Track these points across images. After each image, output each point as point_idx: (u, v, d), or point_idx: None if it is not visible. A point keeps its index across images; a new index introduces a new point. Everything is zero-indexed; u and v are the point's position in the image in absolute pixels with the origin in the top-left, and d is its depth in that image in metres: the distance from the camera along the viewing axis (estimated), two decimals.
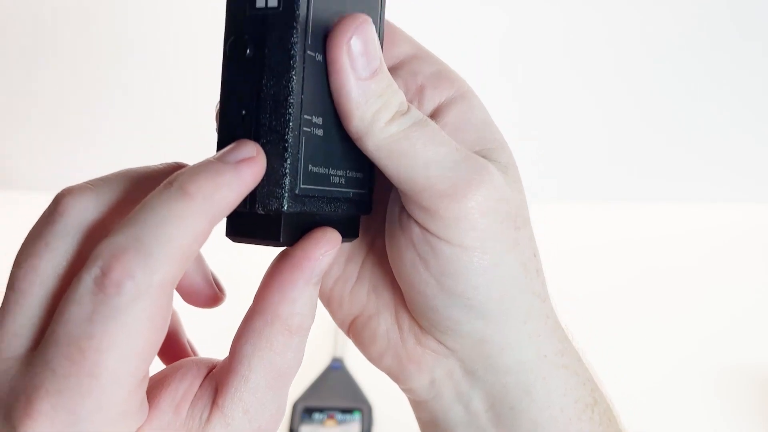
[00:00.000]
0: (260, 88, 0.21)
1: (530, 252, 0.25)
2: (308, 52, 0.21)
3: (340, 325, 0.29)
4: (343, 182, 0.23)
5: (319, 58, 0.21)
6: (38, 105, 0.87)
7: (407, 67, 0.26)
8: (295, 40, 0.20)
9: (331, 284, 0.28)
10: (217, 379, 0.23)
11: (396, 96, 0.22)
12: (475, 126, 0.25)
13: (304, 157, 0.21)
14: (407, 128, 0.22)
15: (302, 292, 0.22)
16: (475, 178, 0.22)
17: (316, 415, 0.59)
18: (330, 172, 0.23)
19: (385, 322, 0.27)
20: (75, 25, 0.79)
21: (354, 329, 0.28)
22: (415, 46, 0.26)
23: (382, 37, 0.24)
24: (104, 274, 0.19)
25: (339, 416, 0.59)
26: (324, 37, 0.21)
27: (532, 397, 0.26)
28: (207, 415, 0.22)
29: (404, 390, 0.28)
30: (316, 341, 0.69)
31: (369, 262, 0.28)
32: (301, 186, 0.22)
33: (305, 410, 0.60)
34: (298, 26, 0.20)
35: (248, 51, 0.21)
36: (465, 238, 0.23)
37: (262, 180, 0.21)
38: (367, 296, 0.28)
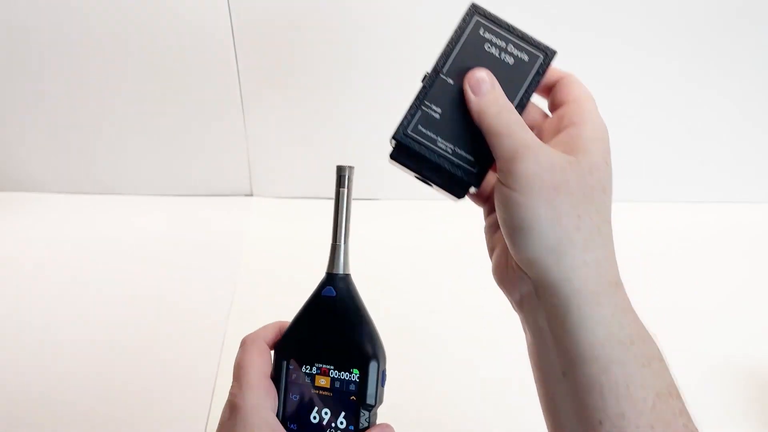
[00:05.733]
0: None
1: (573, 212, 0.34)
2: (441, 75, 0.40)
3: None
4: (449, 152, 0.39)
5: (451, 81, 0.40)
6: (56, 109, 0.87)
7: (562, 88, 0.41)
8: (437, 67, 0.40)
9: (487, 225, 0.43)
10: None
11: (495, 104, 0.38)
12: (569, 136, 0.37)
13: (416, 120, 0.40)
14: (502, 119, 0.37)
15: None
16: (523, 153, 0.35)
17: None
18: (438, 139, 0.39)
19: (500, 254, 0.40)
20: (92, 30, 0.79)
21: (492, 257, 0.42)
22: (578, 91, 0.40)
23: (533, 90, 0.40)
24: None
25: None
26: (457, 72, 0.40)
27: (581, 322, 0.34)
28: None
29: (512, 304, 0.40)
30: None
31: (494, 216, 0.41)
32: (409, 132, 0.40)
33: None
34: (437, 65, 0.40)
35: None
36: (514, 185, 0.35)
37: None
38: (496, 236, 0.42)
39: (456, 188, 0.40)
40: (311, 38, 0.79)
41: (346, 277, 0.43)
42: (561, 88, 0.40)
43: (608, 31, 0.80)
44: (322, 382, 0.41)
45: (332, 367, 0.40)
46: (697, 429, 0.34)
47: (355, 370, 0.40)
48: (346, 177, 0.42)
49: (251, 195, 0.96)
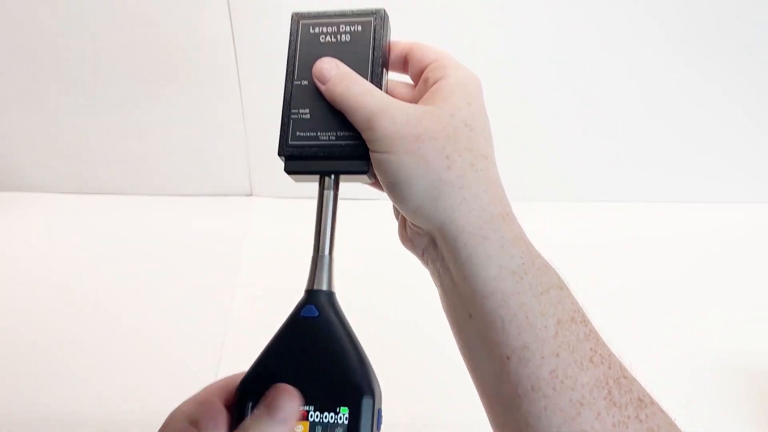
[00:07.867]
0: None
1: (440, 153, 0.35)
2: (295, 81, 0.40)
3: None
4: (334, 138, 0.39)
5: (305, 82, 0.40)
6: (56, 109, 0.87)
7: (416, 53, 0.42)
8: (288, 78, 0.41)
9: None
10: None
11: (340, 83, 0.39)
12: (432, 91, 0.39)
13: (292, 130, 0.40)
14: (350, 94, 0.38)
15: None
16: (377, 117, 0.36)
17: None
18: (318, 134, 0.39)
19: (401, 221, 0.42)
20: (91, 30, 0.79)
21: (398, 227, 0.43)
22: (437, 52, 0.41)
23: (382, 52, 0.41)
24: None
25: None
26: (307, 72, 0.40)
27: (471, 259, 0.34)
28: None
29: (421, 262, 0.41)
30: None
31: None
32: (290, 143, 0.39)
33: None
34: (288, 76, 0.41)
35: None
36: (379, 148, 0.36)
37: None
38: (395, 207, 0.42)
39: (358, 165, 0.38)
40: None
41: (330, 296, 0.36)
42: (414, 56, 0.41)
43: (611, 33, 0.80)
44: (298, 429, 0.32)
45: (312, 408, 0.33)
46: (609, 351, 0.34)
47: (344, 409, 0.32)
48: (332, 180, 0.39)
49: (251, 195, 0.96)
